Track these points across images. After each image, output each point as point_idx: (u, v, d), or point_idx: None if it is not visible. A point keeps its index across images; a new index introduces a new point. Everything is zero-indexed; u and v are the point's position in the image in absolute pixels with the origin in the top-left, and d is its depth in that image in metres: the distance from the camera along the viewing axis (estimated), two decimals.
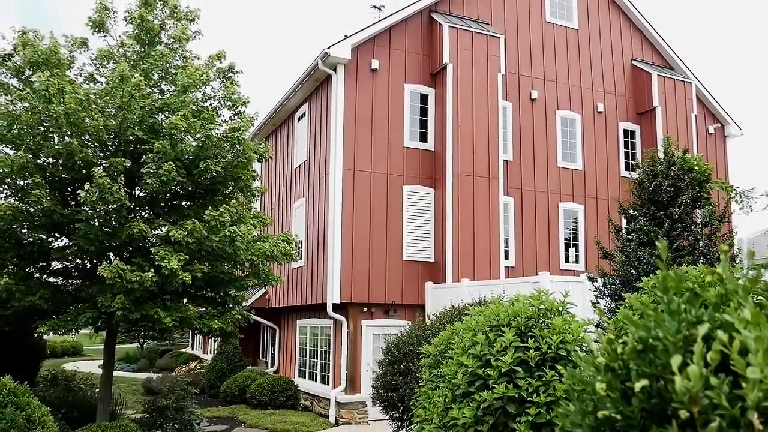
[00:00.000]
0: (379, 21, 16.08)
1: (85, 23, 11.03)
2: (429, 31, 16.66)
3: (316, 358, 16.42)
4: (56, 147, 9.44)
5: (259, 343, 22.50)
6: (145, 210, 10.70)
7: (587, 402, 1.50)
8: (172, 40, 11.12)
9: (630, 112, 19.29)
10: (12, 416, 6.10)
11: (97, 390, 13.07)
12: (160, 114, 10.50)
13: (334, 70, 15.44)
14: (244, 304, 11.68)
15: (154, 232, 9.74)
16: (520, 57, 17.82)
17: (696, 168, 8.63)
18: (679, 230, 8.28)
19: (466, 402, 5.70)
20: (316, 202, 16.52)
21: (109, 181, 8.75)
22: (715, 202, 9.21)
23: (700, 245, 8.26)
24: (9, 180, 9.60)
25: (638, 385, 1.30)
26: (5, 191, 10.00)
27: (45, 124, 9.43)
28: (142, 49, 10.90)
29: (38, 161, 9.73)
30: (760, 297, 1.80)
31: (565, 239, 17.68)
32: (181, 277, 8.93)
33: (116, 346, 11.62)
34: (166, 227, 9.58)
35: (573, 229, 17.88)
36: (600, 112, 18.76)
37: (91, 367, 28.97)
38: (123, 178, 9.08)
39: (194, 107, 10.44)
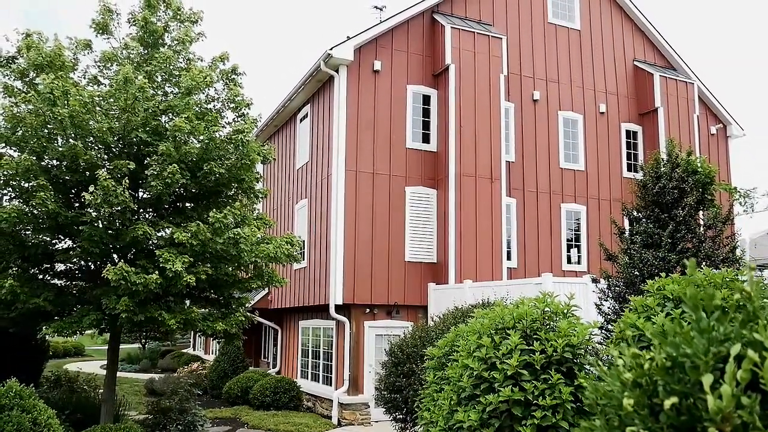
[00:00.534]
0: (382, 22, 16.10)
1: (89, 25, 11.03)
2: (431, 32, 16.67)
3: (319, 359, 16.43)
4: (60, 149, 9.45)
5: (261, 344, 22.51)
6: (149, 212, 10.71)
7: (612, 417, 1.50)
8: (175, 42, 11.13)
9: (632, 113, 19.28)
10: (18, 419, 6.11)
11: (100, 391, 13.10)
12: (164, 116, 10.51)
13: (337, 71, 15.45)
14: (246, 305, 11.69)
15: (157, 234, 9.75)
16: (522, 58, 17.83)
17: (700, 170, 8.63)
18: (683, 232, 8.28)
19: (471, 405, 5.71)
20: (318, 203, 16.53)
21: (113, 183, 8.76)
22: (719, 204, 9.21)
23: (705, 247, 8.26)
24: (13, 182, 9.61)
25: (668, 403, 1.30)
26: (10, 193, 10.01)
27: (49, 126, 9.44)
28: (146, 51, 10.91)
29: (42, 163, 9.74)
30: None
31: (567, 240, 17.68)
32: (185, 279, 8.94)
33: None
34: (170, 229, 9.59)
35: (575, 230, 17.88)
36: (602, 112, 18.76)
37: (93, 367, 29.00)
38: (127, 181, 9.09)
39: (198, 109, 10.45)
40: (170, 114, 10.39)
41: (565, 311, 6.12)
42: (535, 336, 5.72)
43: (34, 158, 9.32)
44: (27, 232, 9.80)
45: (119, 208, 9.00)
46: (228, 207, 9.85)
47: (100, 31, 11.09)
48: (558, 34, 18.55)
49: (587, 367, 5.71)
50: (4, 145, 9.79)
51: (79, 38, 11.03)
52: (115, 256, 10.09)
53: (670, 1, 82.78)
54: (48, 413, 6.58)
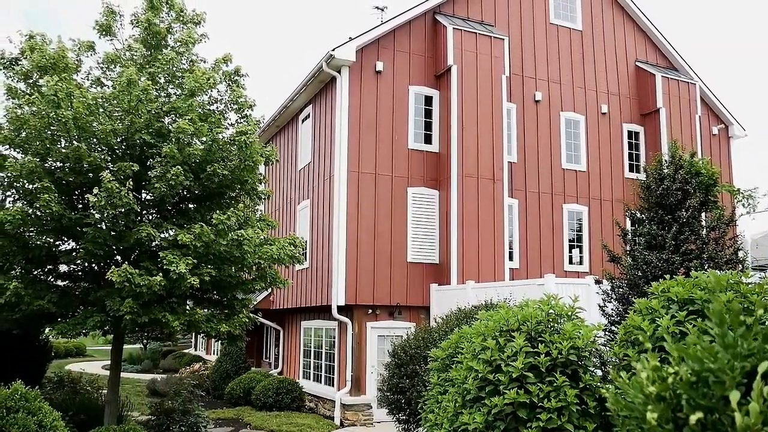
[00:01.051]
0: (384, 23, 16.10)
1: (92, 27, 11.04)
2: (433, 32, 16.67)
3: (321, 360, 16.44)
4: (64, 151, 9.47)
5: (262, 345, 22.52)
6: (152, 214, 10.72)
7: (634, 429, 1.50)
8: (178, 43, 11.14)
9: (634, 114, 19.29)
10: (24, 421, 6.12)
11: (103, 392, 13.11)
12: (167, 117, 10.52)
13: (339, 72, 15.46)
14: (249, 307, 11.70)
15: (161, 236, 9.76)
16: (524, 58, 17.83)
17: (703, 172, 8.64)
18: (686, 234, 8.29)
19: (476, 407, 5.72)
20: (320, 204, 16.54)
21: (117, 185, 8.77)
22: (722, 206, 9.22)
23: (708, 249, 8.26)
24: (17, 184, 9.63)
25: (694, 418, 1.31)
26: (13, 195, 10.02)
27: (53, 128, 9.45)
28: (149, 53, 10.92)
29: (46, 165, 9.75)
30: None
31: (569, 241, 17.69)
32: (189, 281, 8.96)
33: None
34: (174, 231, 9.60)
35: (577, 231, 17.89)
36: (604, 113, 18.77)
37: (95, 367, 29.02)
38: (131, 182, 9.10)
39: (201, 111, 10.46)
40: (173, 115, 10.40)
41: (570, 313, 6.13)
42: (539, 338, 5.72)
43: (38, 160, 9.33)
44: (31, 234, 9.81)
45: (123, 209, 9.01)
46: (231, 209, 9.86)
47: (104, 33, 11.10)
48: (560, 35, 18.55)
49: (592, 369, 5.72)
50: (8, 146, 9.80)
51: (83, 40, 11.03)
52: (118, 257, 10.10)
53: (671, 2, 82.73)
54: (53, 415, 6.59)
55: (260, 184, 11.22)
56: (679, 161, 8.94)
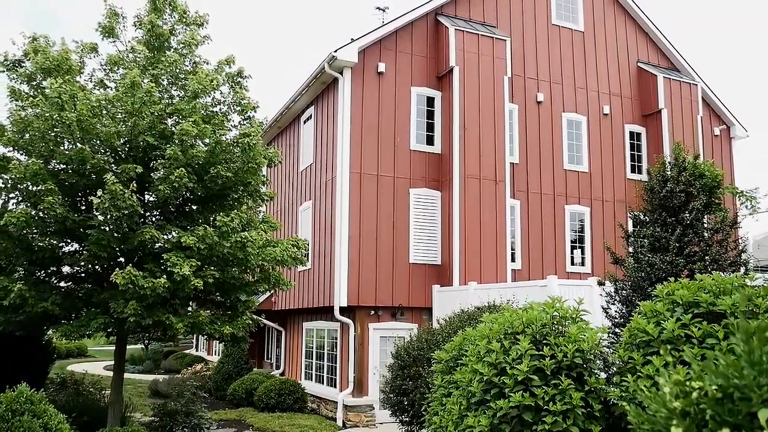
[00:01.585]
0: (386, 24, 16.11)
1: (95, 29, 11.06)
2: (435, 34, 16.68)
3: (323, 361, 16.45)
4: (67, 153, 9.47)
5: (264, 345, 22.52)
6: (155, 215, 10.72)
7: None
8: (181, 45, 11.15)
9: (636, 114, 19.29)
10: (29, 424, 6.13)
11: (105, 393, 13.12)
12: (170, 119, 10.53)
13: (341, 73, 15.46)
14: (252, 308, 11.70)
15: (164, 238, 9.76)
16: (526, 59, 17.84)
17: (707, 174, 8.64)
18: (690, 236, 8.29)
19: (481, 410, 5.72)
20: (322, 205, 16.55)
21: (121, 187, 8.78)
22: (726, 208, 9.22)
23: (712, 251, 8.26)
24: (21, 186, 9.64)
25: None
26: (17, 197, 10.03)
27: (56, 129, 9.45)
28: (152, 55, 10.93)
29: (49, 167, 9.76)
30: None
31: (571, 242, 17.70)
32: (193, 283, 8.96)
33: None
34: (177, 233, 9.61)
35: (579, 232, 17.89)
36: (606, 114, 18.77)
37: (97, 368, 29.04)
38: (135, 184, 9.10)
39: (204, 112, 10.46)
40: (176, 117, 10.41)
41: (574, 316, 6.13)
42: (544, 341, 5.72)
43: (42, 162, 9.34)
44: (34, 236, 9.82)
45: (126, 211, 9.02)
46: (235, 211, 9.86)
47: (107, 35, 11.11)
48: (562, 36, 18.56)
49: (597, 372, 5.72)
50: (11, 149, 9.81)
51: (86, 42, 11.05)
52: (121, 259, 10.10)
53: (673, 3, 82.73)
54: (58, 418, 6.60)
55: (263, 185, 11.22)
56: (682, 163, 8.94)
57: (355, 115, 15.40)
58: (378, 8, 20.68)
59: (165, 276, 8.94)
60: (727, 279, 5.37)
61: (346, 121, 15.27)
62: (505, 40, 16.61)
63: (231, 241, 9.50)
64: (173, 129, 10.10)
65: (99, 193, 8.83)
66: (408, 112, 16.05)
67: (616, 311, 8.73)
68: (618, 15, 19.57)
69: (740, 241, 9.06)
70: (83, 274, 10.63)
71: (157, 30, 10.84)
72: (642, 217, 9.25)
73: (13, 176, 9.30)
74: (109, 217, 9.10)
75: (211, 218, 10.54)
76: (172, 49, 11.18)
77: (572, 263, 17.57)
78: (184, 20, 11.29)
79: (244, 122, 11.17)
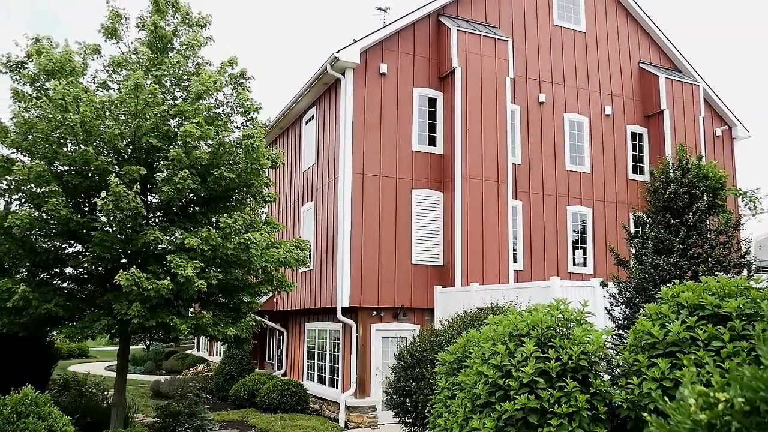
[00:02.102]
0: (388, 25, 16.11)
1: (98, 30, 11.06)
2: (437, 34, 16.68)
3: (325, 362, 16.46)
4: (71, 155, 9.47)
5: (265, 346, 22.52)
6: (158, 217, 10.73)
7: None
8: (184, 46, 11.15)
9: (637, 115, 19.29)
10: (34, 426, 6.14)
11: (108, 393, 13.12)
12: (173, 120, 10.53)
13: (343, 74, 15.47)
14: (255, 309, 11.70)
15: (168, 239, 9.76)
16: (528, 60, 17.84)
17: (711, 175, 8.64)
18: (694, 238, 8.29)
19: (486, 412, 5.72)
20: (324, 206, 16.55)
21: (124, 188, 8.78)
22: (729, 210, 9.22)
23: (716, 253, 8.26)
24: (25, 188, 9.64)
25: None
26: (20, 198, 10.03)
27: (59, 131, 9.46)
28: (155, 56, 10.93)
29: (52, 168, 9.76)
30: None
31: (573, 242, 17.70)
32: (196, 284, 8.96)
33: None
34: (180, 234, 9.61)
35: (581, 232, 17.89)
36: (608, 114, 18.77)
37: (98, 368, 29.05)
38: (138, 186, 9.11)
39: (207, 114, 10.46)
40: (179, 118, 10.41)
41: (579, 318, 6.13)
42: (549, 343, 5.72)
43: (45, 163, 9.34)
44: (38, 237, 9.82)
45: (130, 213, 9.02)
46: (238, 212, 9.87)
47: (109, 36, 11.12)
48: (563, 37, 18.56)
49: (602, 374, 5.72)
50: (15, 150, 9.81)
51: (89, 43, 11.05)
52: (125, 260, 10.11)
53: (675, 3, 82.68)
54: (63, 420, 6.61)
55: (266, 187, 11.22)
56: (686, 165, 8.94)
57: (357, 116, 15.40)
58: (379, 8, 20.66)
59: (169, 278, 8.94)
60: (731, 281, 5.36)
61: (348, 122, 15.27)
62: (507, 41, 16.62)
63: (234, 243, 9.50)
64: (176, 130, 10.11)
65: (103, 194, 8.83)
66: (410, 112, 16.05)
67: (619, 313, 8.73)
68: (620, 16, 19.57)
69: (743, 243, 9.05)
70: (86, 276, 10.63)
71: (160, 31, 10.84)
72: (646, 218, 9.24)
73: (16, 178, 9.31)
74: (112, 218, 9.11)
75: (214, 220, 10.54)
76: (175, 51, 11.18)
77: (574, 264, 17.57)
78: (187, 21, 11.29)
79: (247, 123, 11.17)
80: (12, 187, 9.73)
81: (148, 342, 34.39)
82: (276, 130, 20.90)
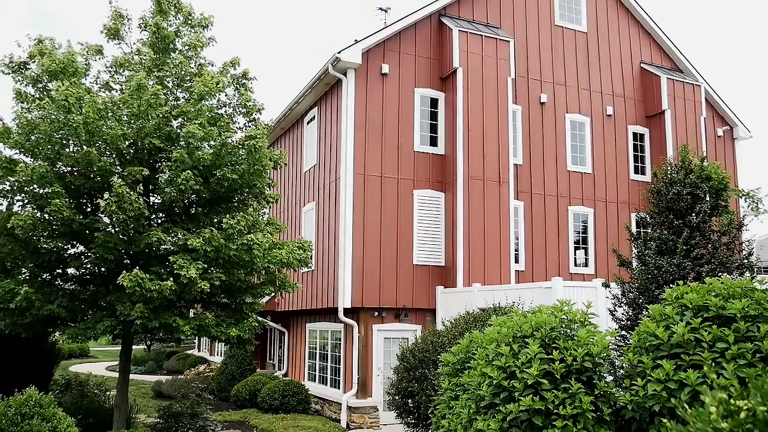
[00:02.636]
0: (389, 26, 16.12)
1: (100, 31, 11.06)
2: (439, 35, 16.68)
3: (327, 362, 16.46)
4: (74, 155, 9.47)
5: (266, 346, 22.53)
6: (161, 218, 10.73)
7: None
8: (186, 47, 11.14)
9: (639, 115, 19.29)
10: (38, 428, 6.14)
11: (109, 394, 13.13)
12: (175, 121, 10.53)
13: (345, 74, 15.47)
14: (257, 310, 11.69)
15: (170, 240, 9.76)
16: (530, 60, 17.84)
17: (714, 176, 8.64)
18: (697, 239, 8.28)
19: (491, 414, 5.72)
20: (326, 206, 16.56)
21: (127, 190, 8.78)
22: (733, 210, 9.22)
23: (719, 254, 8.25)
24: (27, 188, 9.64)
25: None
26: (23, 199, 10.03)
27: (62, 132, 9.46)
28: (157, 57, 10.93)
29: (55, 169, 9.76)
30: None
31: (575, 243, 17.70)
32: (199, 285, 8.96)
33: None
34: (183, 235, 9.61)
35: (582, 233, 17.89)
36: (609, 115, 18.77)
37: (99, 368, 29.08)
38: (141, 187, 9.11)
39: (210, 114, 10.46)
40: (182, 119, 10.41)
41: (583, 319, 6.13)
42: (554, 345, 5.72)
43: (48, 164, 9.34)
44: (40, 238, 9.82)
45: (133, 214, 9.02)
46: (241, 213, 9.86)
47: (112, 37, 11.12)
48: (565, 37, 18.56)
49: (606, 376, 5.71)
50: (17, 151, 9.81)
51: (91, 44, 11.04)
52: (128, 261, 10.11)
53: (676, 3, 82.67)
54: (67, 421, 6.61)
55: (269, 188, 11.22)
56: (689, 165, 8.94)
57: (359, 117, 15.40)
58: (380, 8, 20.66)
59: (172, 278, 8.94)
60: (736, 283, 5.36)
61: (350, 123, 15.27)
62: (509, 41, 16.62)
63: (237, 244, 9.50)
64: (179, 131, 10.11)
65: (106, 195, 8.83)
66: (411, 113, 16.05)
67: (622, 314, 8.72)
68: (621, 16, 19.57)
69: (746, 244, 9.05)
70: (89, 277, 10.63)
71: (162, 32, 10.83)
72: (648, 219, 9.24)
73: (19, 179, 9.31)
74: (115, 219, 9.11)
75: (216, 220, 10.54)
76: (177, 51, 11.18)
77: (575, 264, 17.57)
78: (189, 22, 11.29)
79: (250, 124, 11.17)
80: (15, 188, 9.73)
81: (149, 342, 34.43)
82: (277, 131, 20.90)
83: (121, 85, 11.02)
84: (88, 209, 10.23)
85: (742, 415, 1.41)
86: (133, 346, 36.25)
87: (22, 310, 9.15)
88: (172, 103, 10.69)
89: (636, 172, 19.00)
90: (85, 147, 9.40)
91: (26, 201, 10.02)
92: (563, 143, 17.95)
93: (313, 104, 18.12)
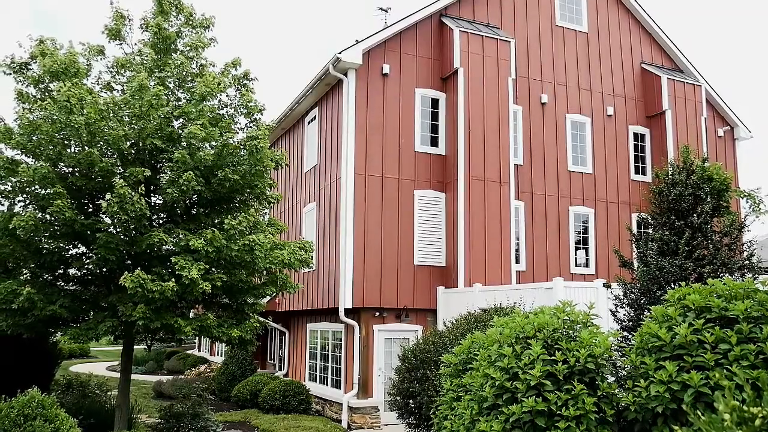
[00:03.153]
0: (390, 26, 16.11)
1: (102, 31, 11.07)
2: (439, 35, 16.68)
3: (327, 362, 16.46)
4: (75, 156, 9.48)
5: (267, 346, 22.53)
6: (162, 218, 10.73)
7: None
8: (188, 48, 11.15)
9: (640, 116, 19.29)
10: (41, 429, 6.14)
11: (110, 394, 13.14)
12: (177, 122, 10.53)
13: (345, 74, 15.47)
14: (259, 311, 11.70)
15: (172, 241, 9.77)
16: (530, 61, 17.84)
17: (715, 177, 8.64)
18: (699, 239, 8.29)
19: (494, 415, 5.73)
20: (327, 207, 16.56)
21: (129, 190, 8.78)
22: (735, 211, 9.22)
23: (721, 255, 8.26)
24: (29, 189, 9.64)
25: None
26: (26, 200, 10.03)
27: (63, 132, 9.46)
28: (159, 57, 10.94)
29: (57, 170, 9.76)
30: None
31: (575, 243, 17.71)
32: (201, 286, 8.97)
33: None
34: (185, 236, 9.61)
35: (583, 233, 17.90)
36: (610, 115, 18.78)
37: (100, 369, 29.07)
38: (143, 188, 9.11)
39: (211, 115, 10.47)
40: (183, 120, 10.41)
41: (585, 320, 6.13)
42: (556, 346, 5.72)
43: (50, 165, 9.34)
44: (42, 239, 9.82)
45: (135, 215, 9.02)
46: (242, 214, 9.87)
47: (113, 37, 11.12)
48: (565, 37, 18.56)
49: (608, 377, 5.72)
50: (19, 152, 9.81)
51: (92, 44, 11.05)
52: (129, 262, 10.11)
53: (676, 3, 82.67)
54: (69, 422, 6.61)
55: (270, 188, 11.23)
56: (690, 166, 8.94)
57: (360, 117, 15.40)
58: (380, 8, 20.67)
59: (173, 279, 8.94)
60: (738, 284, 5.36)
61: (351, 123, 15.27)
62: (509, 42, 16.62)
63: (239, 244, 9.50)
64: (180, 132, 10.11)
65: (107, 196, 8.84)
66: (412, 113, 16.05)
67: (624, 314, 8.72)
68: (622, 16, 19.57)
69: (748, 244, 9.06)
70: (91, 277, 10.64)
71: (163, 32, 10.83)
72: (650, 220, 9.24)
73: (21, 179, 9.31)
74: (117, 220, 9.11)
75: (217, 221, 10.54)
76: (178, 52, 11.18)
77: (576, 264, 17.58)
78: (191, 23, 11.29)
79: (251, 125, 11.18)
80: (17, 188, 9.73)
81: (149, 342, 34.43)
82: (278, 131, 20.90)
83: (123, 86, 11.02)
84: (90, 210, 10.23)
85: (757, 422, 1.41)
86: (135, 347, 36.22)
87: (24, 310, 9.15)
88: (174, 103, 10.69)
89: (636, 172, 19.00)
90: (86, 148, 9.41)
91: (28, 202, 10.02)
92: (564, 143, 17.96)
93: (313, 104, 18.12)
